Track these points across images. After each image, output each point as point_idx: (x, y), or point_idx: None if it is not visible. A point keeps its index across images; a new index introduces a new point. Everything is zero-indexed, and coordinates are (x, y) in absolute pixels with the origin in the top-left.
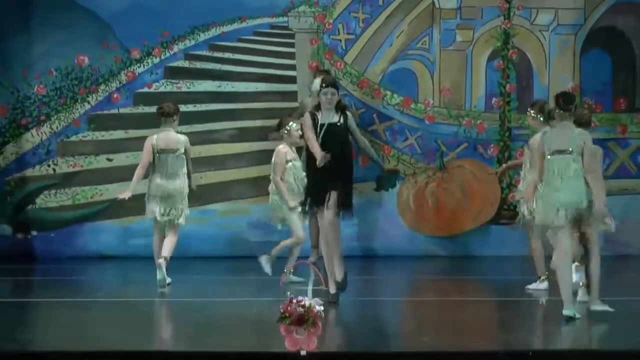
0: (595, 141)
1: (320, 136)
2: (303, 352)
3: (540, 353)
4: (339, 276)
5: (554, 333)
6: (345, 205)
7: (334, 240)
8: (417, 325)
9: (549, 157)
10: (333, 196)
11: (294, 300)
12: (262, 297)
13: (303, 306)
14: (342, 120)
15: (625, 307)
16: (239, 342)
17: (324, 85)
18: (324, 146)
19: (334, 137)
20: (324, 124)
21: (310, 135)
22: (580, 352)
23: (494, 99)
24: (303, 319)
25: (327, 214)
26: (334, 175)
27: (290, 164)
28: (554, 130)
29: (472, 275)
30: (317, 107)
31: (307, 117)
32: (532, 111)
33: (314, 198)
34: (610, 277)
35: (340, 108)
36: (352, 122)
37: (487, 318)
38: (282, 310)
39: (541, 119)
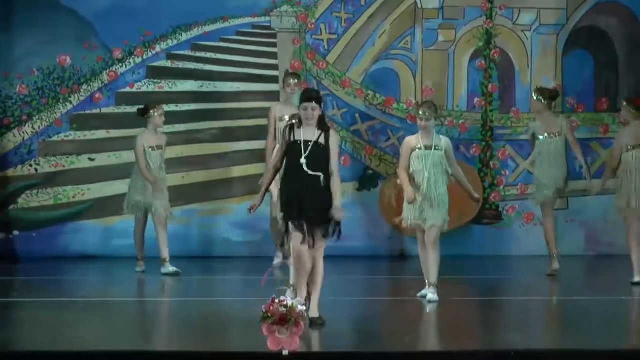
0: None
1: (297, 154)
2: (285, 352)
3: (522, 353)
4: (313, 313)
5: (536, 333)
6: (321, 232)
7: (302, 270)
8: (400, 325)
9: None
10: (299, 229)
11: (276, 300)
12: (243, 297)
13: (285, 306)
14: (322, 139)
15: (607, 306)
16: (220, 342)
17: (303, 99)
18: (299, 166)
19: (310, 157)
20: (300, 141)
21: (278, 149)
22: (561, 352)
23: (476, 99)
24: (285, 319)
25: (294, 240)
26: (307, 201)
27: (150, 150)
28: None
29: (454, 275)
30: (300, 121)
31: (284, 130)
32: (432, 114)
33: (284, 214)
34: (594, 277)
35: (323, 126)
36: (333, 142)
37: (469, 318)
38: (264, 310)
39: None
